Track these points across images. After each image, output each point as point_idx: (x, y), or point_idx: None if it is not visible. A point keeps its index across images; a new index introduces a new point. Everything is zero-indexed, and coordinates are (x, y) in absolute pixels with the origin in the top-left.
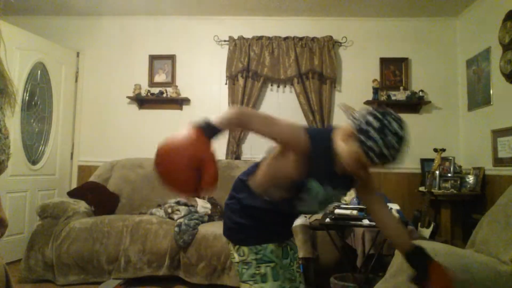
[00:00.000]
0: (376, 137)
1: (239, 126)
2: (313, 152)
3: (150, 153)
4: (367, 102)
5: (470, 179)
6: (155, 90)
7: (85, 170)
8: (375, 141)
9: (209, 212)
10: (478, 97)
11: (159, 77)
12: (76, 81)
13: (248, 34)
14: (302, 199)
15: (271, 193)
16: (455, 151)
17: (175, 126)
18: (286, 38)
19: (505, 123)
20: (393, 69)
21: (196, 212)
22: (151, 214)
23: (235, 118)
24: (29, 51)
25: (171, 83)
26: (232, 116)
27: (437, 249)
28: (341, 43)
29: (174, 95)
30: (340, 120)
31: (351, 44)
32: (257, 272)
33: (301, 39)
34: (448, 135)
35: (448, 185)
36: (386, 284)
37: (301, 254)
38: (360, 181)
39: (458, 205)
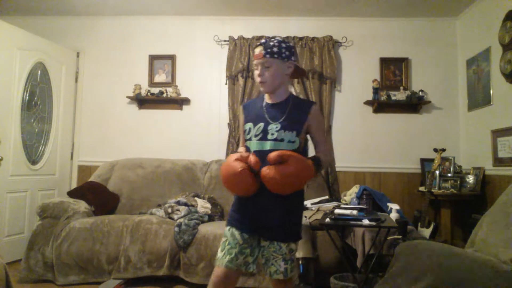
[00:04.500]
0: None
1: None
2: (245, 107)
3: (150, 153)
4: (367, 102)
5: (470, 179)
6: (155, 90)
7: (85, 170)
8: None
9: (209, 212)
10: (478, 97)
11: (159, 77)
12: (76, 81)
13: (248, 34)
14: (247, 140)
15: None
16: (455, 151)
17: (175, 126)
18: (286, 38)
19: (505, 123)
20: (393, 69)
21: (196, 212)
22: (151, 214)
23: None
24: (29, 51)
25: (171, 83)
26: None
27: (437, 249)
28: (341, 43)
29: (174, 95)
30: (341, 120)
31: (351, 44)
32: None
33: (301, 39)
34: (448, 135)
35: (448, 185)
36: (385, 284)
37: (301, 254)
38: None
39: (458, 205)
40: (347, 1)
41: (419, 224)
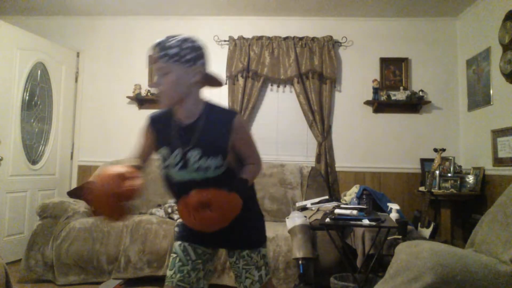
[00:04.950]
0: None
1: None
2: (154, 122)
3: None
4: (367, 102)
5: (470, 179)
6: (155, 90)
7: (85, 170)
8: None
9: None
10: (478, 97)
11: None
12: (76, 81)
13: (248, 34)
14: (165, 168)
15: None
16: (455, 151)
17: None
18: (286, 38)
19: (505, 123)
20: (393, 69)
21: None
22: (151, 214)
23: None
24: (29, 51)
25: None
26: None
27: (437, 249)
28: (341, 43)
29: None
30: (341, 120)
31: (351, 44)
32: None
33: (301, 39)
34: (448, 135)
35: (448, 185)
36: (385, 284)
37: (301, 254)
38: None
39: (458, 205)
40: (347, 1)
41: (419, 224)
